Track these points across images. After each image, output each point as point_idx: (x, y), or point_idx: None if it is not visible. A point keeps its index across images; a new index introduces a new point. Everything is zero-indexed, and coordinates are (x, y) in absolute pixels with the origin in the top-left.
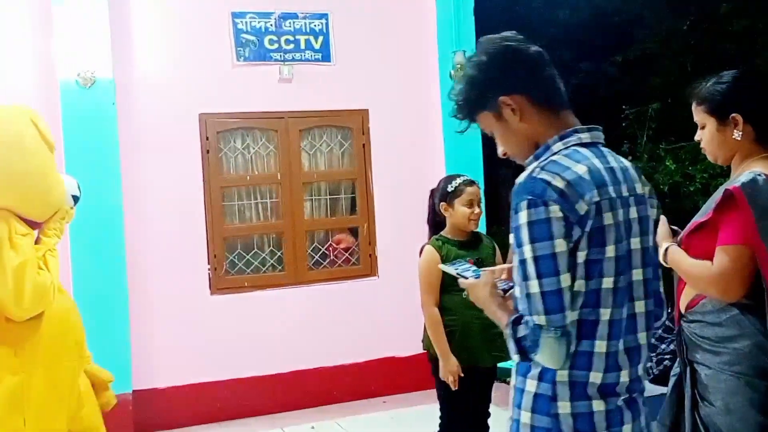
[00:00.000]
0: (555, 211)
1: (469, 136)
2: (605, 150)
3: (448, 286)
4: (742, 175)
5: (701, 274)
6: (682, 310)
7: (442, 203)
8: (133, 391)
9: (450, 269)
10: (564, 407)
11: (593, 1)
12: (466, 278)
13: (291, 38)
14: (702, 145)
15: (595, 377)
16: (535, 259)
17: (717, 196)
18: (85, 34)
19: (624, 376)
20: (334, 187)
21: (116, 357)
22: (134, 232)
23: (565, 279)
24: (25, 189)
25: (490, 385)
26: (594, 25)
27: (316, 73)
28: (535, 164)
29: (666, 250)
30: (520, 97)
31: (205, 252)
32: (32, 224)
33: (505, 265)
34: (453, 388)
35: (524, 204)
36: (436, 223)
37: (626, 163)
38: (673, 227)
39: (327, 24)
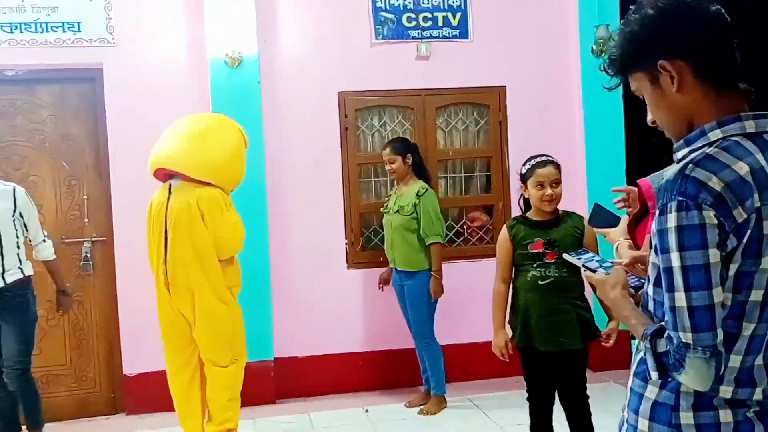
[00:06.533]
0: (710, 216)
1: (611, 114)
2: None
3: (519, 265)
4: None
5: None
6: None
7: (521, 184)
8: (275, 358)
9: (573, 259)
10: (686, 417)
11: None
12: (593, 270)
13: (429, 15)
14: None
15: (725, 392)
16: (684, 269)
17: None
18: (232, 18)
19: (758, 394)
20: (469, 165)
21: (259, 326)
22: (276, 205)
23: (717, 293)
24: (237, 180)
25: (575, 366)
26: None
27: (453, 50)
28: (685, 151)
29: None
30: (684, 63)
31: (342, 227)
32: None
33: (638, 253)
34: (502, 359)
35: (674, 206)
36: (525, 201)
37: None
38: None
39: (465, 0)
